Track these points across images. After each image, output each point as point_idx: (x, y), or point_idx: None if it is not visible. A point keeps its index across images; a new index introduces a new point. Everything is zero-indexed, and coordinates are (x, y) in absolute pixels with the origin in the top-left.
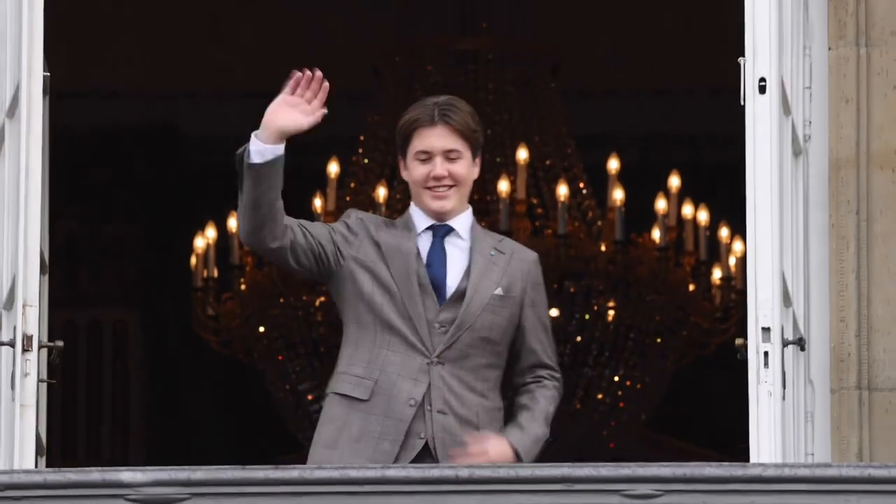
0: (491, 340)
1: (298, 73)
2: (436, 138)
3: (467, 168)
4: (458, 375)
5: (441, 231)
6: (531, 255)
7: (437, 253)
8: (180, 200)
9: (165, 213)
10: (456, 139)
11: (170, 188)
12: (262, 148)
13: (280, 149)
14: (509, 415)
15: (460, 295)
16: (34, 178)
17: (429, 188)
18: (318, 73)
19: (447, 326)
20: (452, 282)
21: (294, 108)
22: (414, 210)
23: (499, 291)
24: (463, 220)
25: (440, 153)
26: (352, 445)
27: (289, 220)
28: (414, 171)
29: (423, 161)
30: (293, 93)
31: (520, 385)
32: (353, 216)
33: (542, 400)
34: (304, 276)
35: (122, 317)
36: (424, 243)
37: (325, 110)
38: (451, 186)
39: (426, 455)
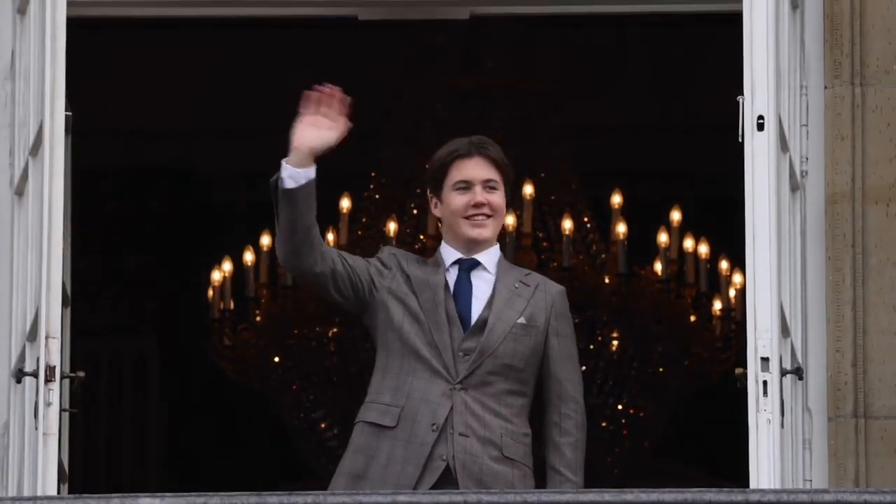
0: (514, 368)
1: (314, 92)
2: (474, 168)
3: (502, 199)
4: (480, 400)
5: (466, 265)
6: (557, 288)
7: (463, 285)
8: (198, 235)
9: (183, 247)
10: (492, 170)
11: (187, 224)
12: (294, 172)
13: (312, 171)
14: (537, 447)
15: (482, 324)
16: (56, 214)
17: (467, 217)
18: (336, 89)
19: (470, 354)
20: (476, 312)
21: (317, 126)
22: (444, 247)
23: (521, 320)
24: (490, 255)
25: (479, 182)
26: (380, 473)
27: (329, 249)
28: (453, 201)
29: (463, 191)
30: (313, 111)
31: (545, 423)
32: (387, 251)
33: (569, 452)
34: (343, 306)
35: (141, 347)
36: (451, 277)
37: (349, 122)
38: (489, 216)
39: (447, 476)
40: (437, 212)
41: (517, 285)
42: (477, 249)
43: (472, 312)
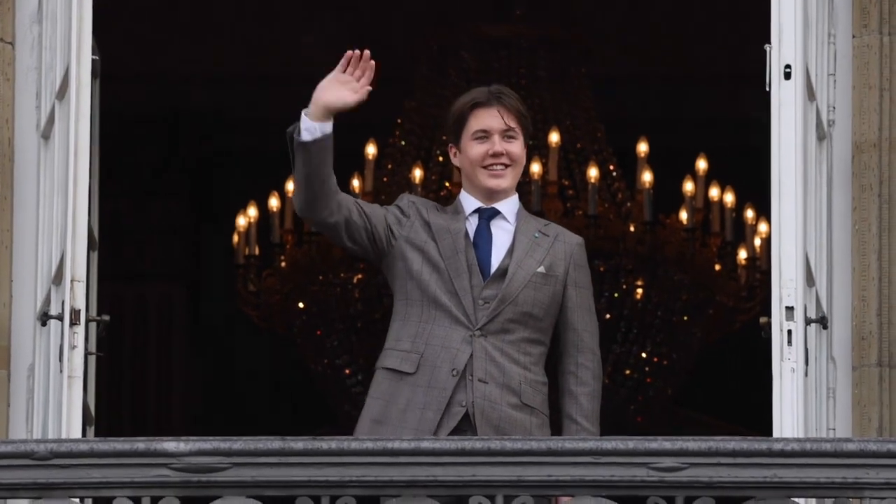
0: (533, 316)
1: (349, 52)
2: (493, 118)
3: (521, 149)
4: (499, 347)
5: (486, 213)
6: (576, 239)
7: (483, 234)
8: (223, 180)
9: (209, 192)
10: (511, 119)
11: (213, 168)
12: (311, 125)
13: (328, 126)
14: (554, 399)
15: (503, 272)
16: (83, 158)
17: (485, 167)
18: (367, 53)
19: (490, 301)
20: (496, 260)
21: (343, 86)
22: (463, 195)
23: (541, 269)
24: (510, 205)
25: (498, 132)
26: (399, 417)
27: (345, 198)
28: (471, 150)
29: (481, 140)
30: (344, 71)
31: (561, 372)
32: (406, 199)
33: (586, 402)
34: (357, 253)
35: (167, 292)
36: (471, 225)
37: (369, 88)
38: (507, 166)
39: (466, 422)
40: (456, 161)
41: (537, 235)
42: (496, 198)
43: (491, 261)
